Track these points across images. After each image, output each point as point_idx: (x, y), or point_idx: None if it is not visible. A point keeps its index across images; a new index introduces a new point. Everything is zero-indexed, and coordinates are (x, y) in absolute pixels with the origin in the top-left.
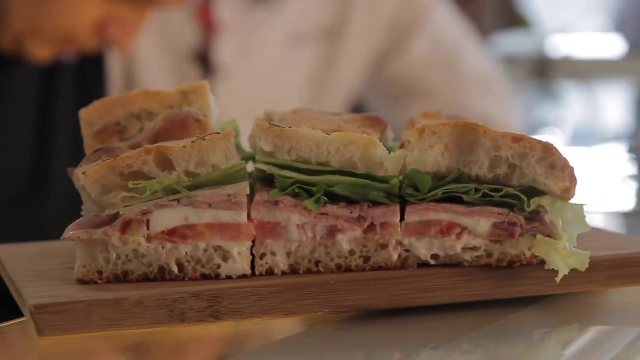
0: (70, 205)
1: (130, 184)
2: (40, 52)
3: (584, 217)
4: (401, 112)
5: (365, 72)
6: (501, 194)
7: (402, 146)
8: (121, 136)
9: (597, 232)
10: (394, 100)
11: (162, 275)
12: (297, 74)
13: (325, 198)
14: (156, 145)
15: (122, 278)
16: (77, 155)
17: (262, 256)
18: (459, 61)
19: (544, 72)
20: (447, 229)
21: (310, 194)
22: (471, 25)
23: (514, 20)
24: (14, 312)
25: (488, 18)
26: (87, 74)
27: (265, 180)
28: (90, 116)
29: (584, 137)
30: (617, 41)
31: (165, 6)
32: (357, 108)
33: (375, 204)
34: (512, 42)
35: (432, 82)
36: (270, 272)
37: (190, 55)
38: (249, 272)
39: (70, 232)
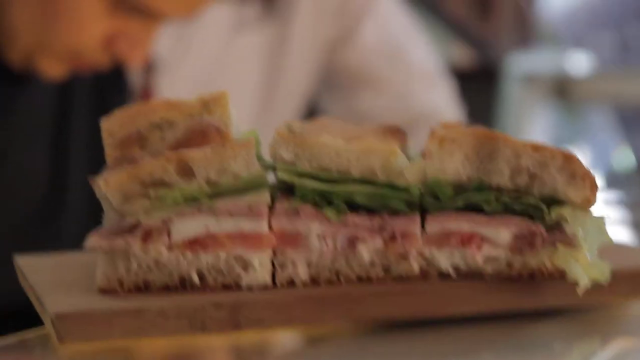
0: (87, 219)
1: (152, 193)
2: (51, 68)
3: (605, 227)
4: (349, 104)
5: (316, 62)
6: (521, 203)
7: (423, 156)
8: (142, 145)
9: (618, 246)
10: (342, 92)
11: (182, 285)
12: (245, 64)
13: (345, 207)
14: (176, 152)
15: (143, 288)
16: (94, 170)
17: (283, 266)
18: (407, 53)
19: (565, 92)
20: (467, 239)
21: (331, 203)
22: (491, 42)
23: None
24: (35, 322)
25: (507, 35)
26: (104, 89)
27: (286, 190)
28: (111, 126)
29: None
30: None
31: (173, 19)
32: (313, 108)
33: (396, 213)
34: (532, 60)
35: (381, 72)
36: (290, 283)
37: None
38: (269, 282)
39: (91, 240)
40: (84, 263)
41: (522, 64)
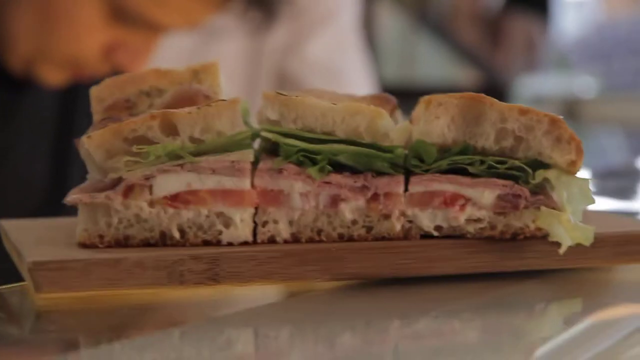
0: None
1: (134, 148)
2: (51, 76)
3: (589, 191)
4: None
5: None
6: (506, 165)
7: (410, 121)
8: (130, 112)
9: (603, 213)
10: None
11: (163, 241)
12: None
13: (329, 167)
14: (161, 111)
15: (123, 242)
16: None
17: (264, 224)
18: (345, 76)
19: (574, 113)
20: (450, 200)
21: (315, 163)
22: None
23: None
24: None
25: (517, 61)
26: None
27: (271, 152)
28: (100, 92)
29: None
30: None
31: (174, 31)
32: None
33: (379, 174)
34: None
35: (314, 87)
36: (272, 240)
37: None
38: (250, 239)
39: (72, 195)
40: (68, 225)
41: (530, 86)
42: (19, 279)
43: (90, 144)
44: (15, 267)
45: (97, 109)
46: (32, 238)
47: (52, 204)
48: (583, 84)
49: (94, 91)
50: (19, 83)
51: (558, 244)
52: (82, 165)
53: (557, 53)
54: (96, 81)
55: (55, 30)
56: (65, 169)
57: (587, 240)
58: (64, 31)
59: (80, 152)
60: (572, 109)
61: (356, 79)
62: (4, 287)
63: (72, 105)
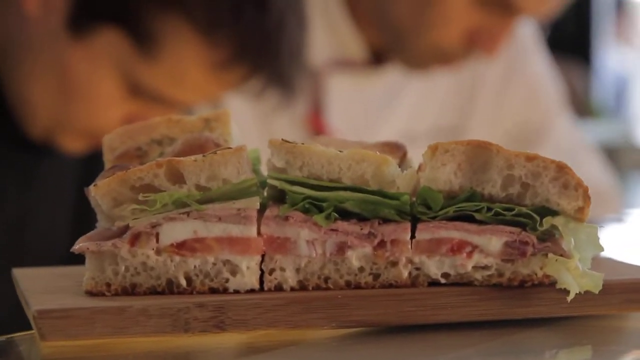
0: None
1: (141, 196)
2: (71, 144)
3: (598, 238)
4: None
5: None
6: (513, 212)
7: (419, 170)
8: (141, 160)
9: (611, 260)
10: None
11: (170, 289)
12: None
13: (335, 214)
14: (167, 159)
15: (130, 291)
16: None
17: (271, 271)
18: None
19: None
20: (458, 247)
21: (321, 210)
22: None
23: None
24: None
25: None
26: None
27: (279, 199)
28: (112, 141)
29: None
30: None
31: (187, 107)
32: None
33: (386, 221)
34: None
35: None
36: (279, 288)
37: None
38: (257, 286)
39: (80, 243)
40: (78, 273)
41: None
42: (30, 327)
43: (97, 192)
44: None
45: (108, 158)
46: (40, 286)
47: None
48: (625, 131)
49: (106, 140)
50: (40, 149)
51: (566, 291)
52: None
53: (597, 101)
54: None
55: (73, 104)
56: (87, 230)
57: (595, 288)
58: (81, 105)
59: (91, 203)
60: (613, 155)
61: (589, 166)
62: (15, 335)
63: (92, 171)
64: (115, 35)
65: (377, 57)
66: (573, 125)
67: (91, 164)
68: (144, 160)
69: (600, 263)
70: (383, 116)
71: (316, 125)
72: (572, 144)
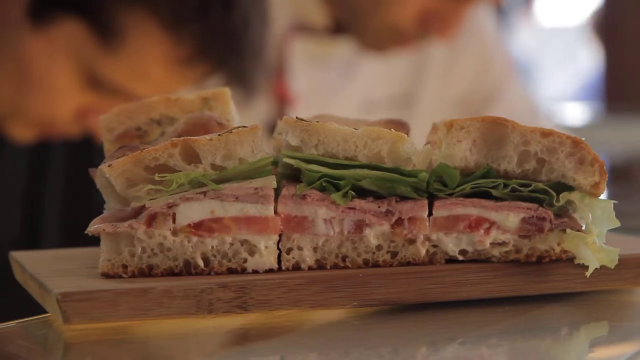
0: None
1: (157, 177)
2: (21, 133)
3: (613, 213)
4: None
5: None
6: (530, 188)
7: (431, 145)
8: (142, 140)
9: (622, 236)
10: None
11: (187, 270)
12: None
13: (352, 192)
14: (182, 138)
15: (147, 272)
16: (66, 229)
17: (289, 251)
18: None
19: None
20: (475, 224)
21: (338, 188)
22: None
23: None
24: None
25: None
26: (79, 152)
27: (291, 178)
28: (110, 122)
29: None
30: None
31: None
32: None
33: (403, 198)
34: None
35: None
36: (296, 267)
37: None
38: (275, 266)
39: (94, 225)
40: (80, 255)
41: None
42: (34, 311)
43: (112, 173)
44: (27, 299)
45: (107, 138)
46: (49, 269)
47: None
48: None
49: (103, 121)
50: None
51: (582, 267)
52: (54, 218)
53: None
54: (65, 139)
55: (30, 93)
56: (37, 224)
57: (611, 263)
58: (37, 95)
59: (97, 182)
60: None
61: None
62: (28, 319)
63: (45, 160)
64: (77, 27)
65: (338, 26)
66: (525, 91)
67: (41, 154)
68: (145, 140)
69: (610, 238)
70: (343, 83)
71: (280, 89)
72: (524, 108)
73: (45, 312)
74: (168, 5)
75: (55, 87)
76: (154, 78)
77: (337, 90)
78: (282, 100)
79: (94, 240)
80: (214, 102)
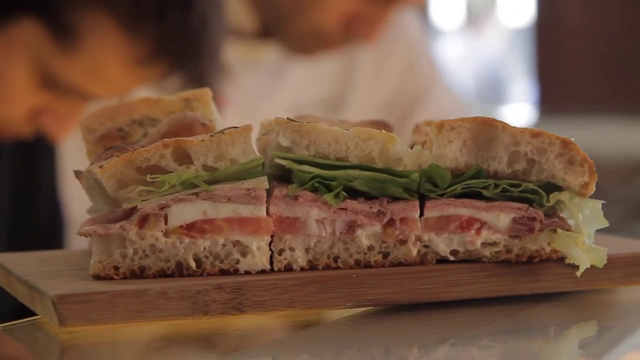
0: None
1: (149, 178)
2: None
3: (601, 213)
4: None
5: None
6: (520, 189)
7: (422, 145)
8: (124, 141)
9: (611, 237)
10: None
11: (179, 271)
12: None
13: (344, 193)
14: (174, 139)
15: (139, 274)
16: (13, 231)
17: (281, 252)
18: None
19: None
20: (466, 224)
21: (329, 189)
22: None
23: None
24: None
25: None
26: (26, 153)
27: (280, 178)
28: (90, 123)
29: None
30: None
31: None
32: None
33: (394, 199)
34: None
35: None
36: (288, 268)
37: None
38: (267, 267)
39: (85, 227)
40: (68, 259)
41: None
42: (18, 314)
43: (103, 174)
44: (11, 301)
45: (88, 139)
46: (37, 272)
47: None
48: None
49: (83, 122)
50: None
51: (571, 266)
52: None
53: None
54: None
55: None
56: None
57: (600, 262)
58: None
59: (83, 183)
60: None
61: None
62: (13, 323)
63: None
64: (32, 27)
65: (266, 30)
66: (452, 92)
67: None
68: (127, 141)
69: (597, 238)
70: (273, 87)
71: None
72: (452, 109)
73: (29, 315)
74: (126, 4)
75: (9, 88)
76: (111, 78)
77: (266, 95)
78: (216, 102)
79: (42, 244)
80: (195, 103)
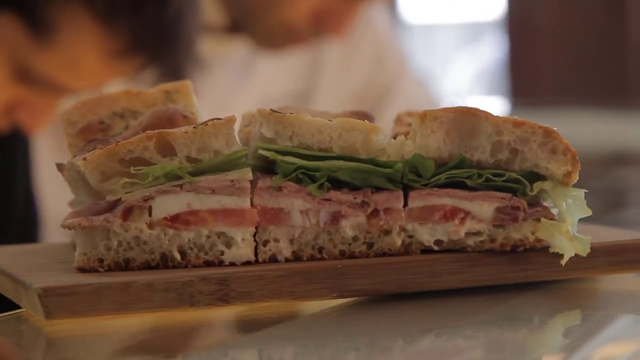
0: None
1: (132, 170)
2: None
3: (584, 202)
4: None
5: None
6: (504, 178)
7: (405, 135)
8: (105, 134)
9: (594, 226)
10: None
11: (164, 263)
12: None
13: (328, 184)
14: (157, 131)
15: (124, 266)
16: None
17: (265, 243)
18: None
19: None
20: (450, 214)
21: (313, 180)
22: None
23: None
24: None
25: None
26: (3, 146)
27: (262, 170)
28: (71, 115)
29: None
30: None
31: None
32: None
33: (378, 189)
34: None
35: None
36: (273, 259)
37: None
38: (252, 258)
39: (68, 220)
40: (44, 250)
41: None
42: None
43: (87, 167)
44: None
45: (69, 132)
46: (20, 265)
47: None
48: None
49: (64, 115)
50: None
51: (555, 255)
52: None
53: None
54: None
55: None
56: None
57: (584, 251)
58: None
59: (66, 176)
60: None
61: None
62: (2, 315)
63: None
64: (7, 20)
65: (234, 25)
66: (421, 85)
67: None
68: (108, 134)
69: (579, 227)
70: (241, 82)
71: None
72: (421, 102)
73: (13, 308)
74: None
75: None
76: (87, 71)
77: (235, 89)
78: None
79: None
80: (176, 95)
